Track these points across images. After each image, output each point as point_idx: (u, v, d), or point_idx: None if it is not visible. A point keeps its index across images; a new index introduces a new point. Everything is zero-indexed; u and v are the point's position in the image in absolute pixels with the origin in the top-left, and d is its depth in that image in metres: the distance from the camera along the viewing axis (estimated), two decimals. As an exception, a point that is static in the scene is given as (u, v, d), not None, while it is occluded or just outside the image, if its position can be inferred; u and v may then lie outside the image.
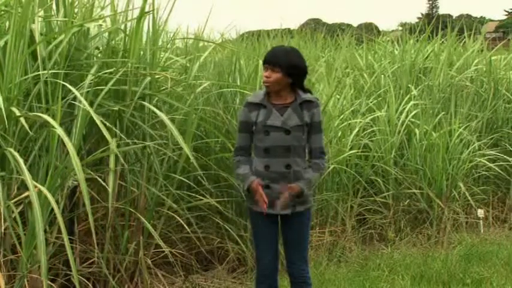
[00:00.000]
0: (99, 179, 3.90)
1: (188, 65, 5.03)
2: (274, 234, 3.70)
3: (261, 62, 4.31)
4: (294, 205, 3.59)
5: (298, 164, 3.59)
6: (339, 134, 5.91)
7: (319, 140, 3.65)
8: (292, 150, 3.57)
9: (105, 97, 4.08)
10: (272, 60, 3.58)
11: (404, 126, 6.38)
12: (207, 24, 11.73)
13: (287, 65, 3.55)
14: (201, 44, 6.19)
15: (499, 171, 6.77)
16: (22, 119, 3.40)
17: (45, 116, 3.45)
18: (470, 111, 7.14)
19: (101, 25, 4.52)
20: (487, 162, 6.70)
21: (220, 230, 5.06)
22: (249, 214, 3.81)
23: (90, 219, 3.40)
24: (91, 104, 3.77)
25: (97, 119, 3.47)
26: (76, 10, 4.37)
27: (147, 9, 4.36)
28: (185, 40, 5.97)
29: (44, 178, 3.60)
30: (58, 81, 3.64)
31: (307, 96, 3.63)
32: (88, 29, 4.33)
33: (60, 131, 3.35)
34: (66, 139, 3.33)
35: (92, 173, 3.90)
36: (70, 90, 3.66)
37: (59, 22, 4.23)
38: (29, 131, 3.38)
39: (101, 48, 4.51)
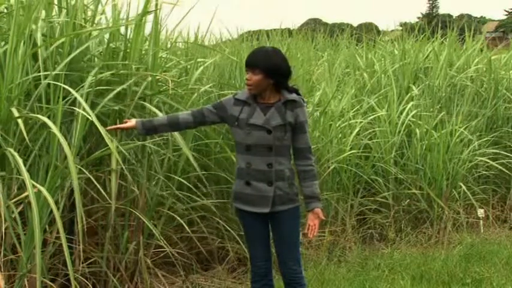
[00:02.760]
0: (96, 182, 3.90)
1: (189, 66, 5.04)
2: (263, 234, 3.68)
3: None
4: (273, 204, 3.55)
5: (280, 163, 3.55)
6: (339, 134, 5.91)
7: (306, 140, 3.61)
8: (274, 149, 3.53)
9: (105, 97, 4.08)
10: (251, 63, 3.55)
11: (405, 126, 6.38)
12: (206, 25, 11.77)
13: (266, 66, 3.50)
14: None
15: (501, 168, 6.78)
16: (20, 122, 3.39)
17: (45, 118, 3.45)
18: (471, 110, 7.14)
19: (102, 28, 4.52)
20: (488, 161, 6.71)
21: (220, 230, 5.06)
22: (236, 214, 3.80)
23: (81, 220, 3.40)
24: (92, 105, 3.77)
25: (97, 124, 3.46)
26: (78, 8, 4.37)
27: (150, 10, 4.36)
28: (186, 40, 5.98)
29: (44, 178, 3.60)
30: (59, 84, 3.64)
31: (292, 96, 3.59)
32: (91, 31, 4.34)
33: (59, 135, 3.36)
34: (65, 146, 3.34)
35: (88, 173, 3.89)
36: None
37: (60, 22, 4.22)
38: (25, 136, 3.35)
39: (101, 49, 4.51)
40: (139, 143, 4.33)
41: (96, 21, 4.54)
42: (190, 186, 4.72)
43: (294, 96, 3.58)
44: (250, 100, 3.59)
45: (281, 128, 3.53)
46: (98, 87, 4.02)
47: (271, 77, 3.52)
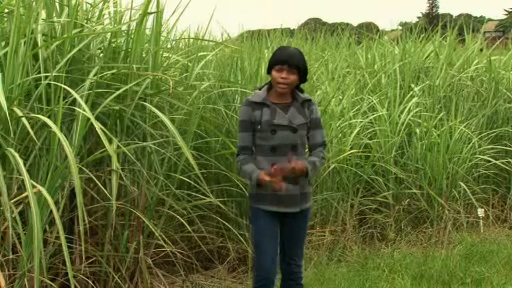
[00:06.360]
0: (97, 182, 3.90)
1: (190, 64, 5.03)
2: (277, 236, 3.69)
3: (262, 62, 4.31)
4: (301, 202, 3.63)
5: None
6: (340, 133, 5.91)
7: (320, 135, 3.72)
8: (297, 148, 3.62)
9: (106, 96, 4.08)
10: (292, 62, 3.57)
11: (405, 126, 6.37)
12: (207, 24, 11.77)
13: (303, 66, 3.61)
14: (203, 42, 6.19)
15: (501, 166, 6.78)
16: (25, 120, 3.40)
17: (46, 119, 3.45)
18: (471, 110, 7.14)
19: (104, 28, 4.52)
20: (490, 159, 6.70)
21: (220, 229, 5.06)
22: (253, 215, 3.69)
23: (82, 221, 3.40)
24: (93, 105, 3.76)
25: (97, 126, 3.46)
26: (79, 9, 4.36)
27: (151, 10, 4.35)
28: (187, 39, 5.97)
29: (44, 178, 3.60)
30: (59, 84, 3.63)
31: (306, 96, 3.73)
32: (94, 30, 4.33)
33: (60, 135, 3.35)
34: (66, 146, 3.33)
35: (90, 173, 3.89)
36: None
37: (61, 22, 4.22)
38: (32, 134, 3.37)
39: (102, 48, 4.51)
40: (140, 144, 4.33)
41: (97, 20, 4.54)
42: (192, 183, 4.71)
43: (307, 95, 3.73)
44: (267, 101, 3.63)
45: (304, 126, 3.65)
46: (98, 88, 4.02)
47: (302, 78, 3.64)
